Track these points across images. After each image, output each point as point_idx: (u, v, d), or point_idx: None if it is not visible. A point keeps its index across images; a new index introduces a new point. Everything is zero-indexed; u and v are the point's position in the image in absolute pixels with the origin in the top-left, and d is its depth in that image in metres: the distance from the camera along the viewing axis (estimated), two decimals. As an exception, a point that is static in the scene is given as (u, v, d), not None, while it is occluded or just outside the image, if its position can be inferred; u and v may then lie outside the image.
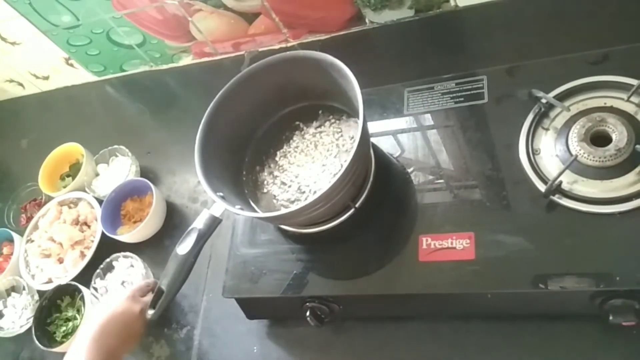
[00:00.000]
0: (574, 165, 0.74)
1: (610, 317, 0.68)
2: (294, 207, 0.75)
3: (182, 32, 1.25)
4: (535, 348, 0.75)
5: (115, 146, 1.25)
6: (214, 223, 0.80)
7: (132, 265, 1.09)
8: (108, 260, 1.09)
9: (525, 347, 0.75)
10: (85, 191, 1.22)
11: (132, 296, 0.89)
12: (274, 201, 0.88)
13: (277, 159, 0.91)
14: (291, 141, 0.92)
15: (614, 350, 0.72)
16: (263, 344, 0.93)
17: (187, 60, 1.35)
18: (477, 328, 0.78)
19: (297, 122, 0.93)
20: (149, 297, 0.91)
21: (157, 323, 1.01)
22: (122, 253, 1.09)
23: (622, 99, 0.77)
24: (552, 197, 0.73)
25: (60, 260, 1.16)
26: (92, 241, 1.15)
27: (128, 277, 1.07)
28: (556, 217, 0.73)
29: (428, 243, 0.77)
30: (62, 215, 1.21)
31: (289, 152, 0.91)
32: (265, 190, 0.90)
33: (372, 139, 0.89)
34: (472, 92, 0.87)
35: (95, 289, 1.08)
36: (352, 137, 0.86)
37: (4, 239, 1.25)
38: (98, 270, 1.09)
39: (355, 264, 0.82)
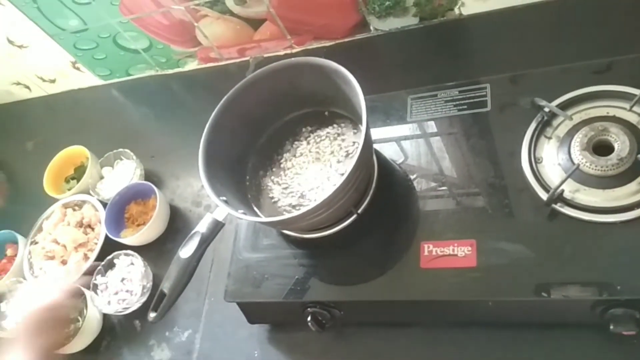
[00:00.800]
0: (576, 174, 0.74)
1: (611, 326, 0.68)
2: (296, 212, 0.76)
3: (188, 37, 1.26)
4: (535, 356, 0.75)
5: (120, 149, 1.26)
6: (217, 227, 0.80)
7: (132, 263, 1.10)
8: (109, 257, 1.10)
9: (525, 355, 0.75)
10: (89, 194, 1.23)
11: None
12: (277, 206, 0.88)
13: (280, 164, 0.92)
14: (294, 147, 0.92)
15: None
16: (264, 349, 0.93)
17: (192, 65, 1.36)
18: (478, 335, 0.78)
19: (301, 128, 0.93)
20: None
21: (158, 326, 1.02)
22: (124, 251, 1.10)
23: (625, 108, 0.77)
24: (554, 205, 0.74)
25: (64, 262, 1.16)
26: (96, 244, 1.15)
27: (128, 274, 1.08)
28: (558, 225, 0.73)
29: (430, 250, 0.77)
30: (66, 218, 1.22)
31: (293, 157, 0.91)
32: (268, 195, 0.90)
33: (376, 146, 0.90)
34: (475, 100, 0.87)
35: (96, 285, 1.09)
36: (355, 144, 0.87)
37: (8, 241, 1.26)
38: (99, 267, 1.10)
39: (357, 269, 0.82)
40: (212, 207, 0.82)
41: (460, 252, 0.75)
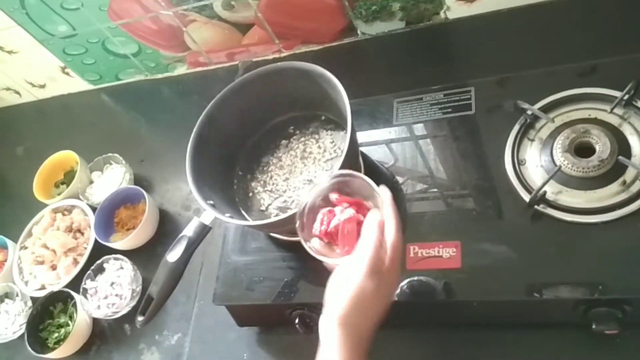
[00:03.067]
0: (558, 176, 0.76)
1: (594, 326, 0.69)
2: (283, 215, 0.76)
3: (177, 42, 1.26)
4: (519, 355, 0.76)
5: (110, 154, 1.26)
6: (204, 231, 0.80)
7: (121, 268, 1.10)
8: (99, 262, 1.11)
9: (510, 355, 0.76)
10: (79, 199, 1.23)
11: (370, 272, 0.64)
12: (264, 209, 0.89)
13: (268, 167, 0.92)
14: (282, 150, 0.93)
15: (597, 359, 0.73)
16: (253, 351, 0.93)
17: (181, 69, 1.37)
18: (463, 336, 0.79)
19: (288, 132, 0.94)
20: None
21: (148, 330, 1.03)
22: (113, 255, 1.11)
23: (606, 110, 0.78)
24: (536, 206, 0.75)
25: (54, 267, 1.16)
26: (85, 248, 1.16)
27: (117, 278, 1.09)
28: (541, 226, 0.74)
29: (415, 251, 0.78)
30: (55, 223, 1.22)
31: (280, 160, 0.92)
32: (255, 199, 0.91)
33: (362, 149, 0.90)
34: (459, 103, 0.88)
35: (86, 289, 1.09)
36: (341, 147, 0.88)
37: (-3, 246, 1.26)
38: (89, 272, 1.10)
39: (344, 272, 0.83)
40: (202, 211, 0.82)
41: (446, 253, 0.76)
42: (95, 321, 1.09)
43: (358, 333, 0.64)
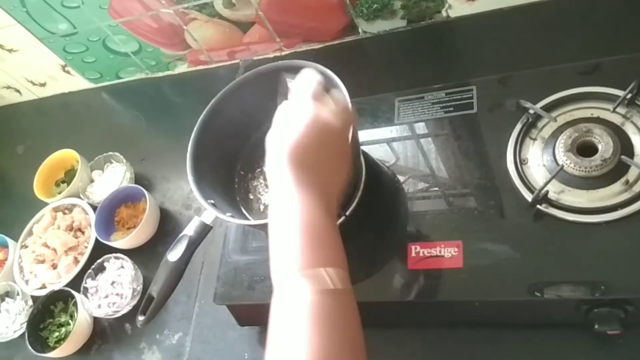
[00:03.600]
0: (561, 175, 0.75)
1: (596, 326, 0.68)
2: (284, 215, 0.76)
3: (178, 40, 1.26)
4: (521, 355, 0.75)
5: (110, 153, 1.26)
6: (205, 230, 0.80)
7: (122, 267, 1.10)
8: (99, 261, 1.11)
9: (511, 355, 0.76)
10: (79, 197, 1.23)
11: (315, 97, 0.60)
12: (266, 209, 0.89)
13: (269, 166, 0.92)
14: (283, 149, 0.92)
15: (599, 359, 0.73)
16: (254, 351, 0.93)
17: (182, 68, 1.36)
18: (464, 336, 0.79)
19: (289, 131, 0.93)
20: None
21: (149, 329, 1.02)
22: (114, 254, 1.11)
23: (609, 109, 0.78)
24: (538, 206, 0.74)
25: (54, 266, 1.16)
26: (86, 247, 1.16)
27: (118, 277, 1.08)
28: (543, 226, 0.74)
29: (417, 251, 0.78)
30: (56, 221, 1.21)
31: (281, 160, 0.91)
32: (257, 198, 0.90)
33: (363, 147, 0.90)
34: (461, 102, 0.88)
35: (86, 289, 1.09)
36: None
37: (-2, 245, 1.26)
38: (89, 271, 1.10)
39: (345, 271, 0.83)
40: (202, 210, 0.82)
41: (447, 253, 0.76)
42: (96, 320, 1.09)
43: (317, 175, 0.54)
